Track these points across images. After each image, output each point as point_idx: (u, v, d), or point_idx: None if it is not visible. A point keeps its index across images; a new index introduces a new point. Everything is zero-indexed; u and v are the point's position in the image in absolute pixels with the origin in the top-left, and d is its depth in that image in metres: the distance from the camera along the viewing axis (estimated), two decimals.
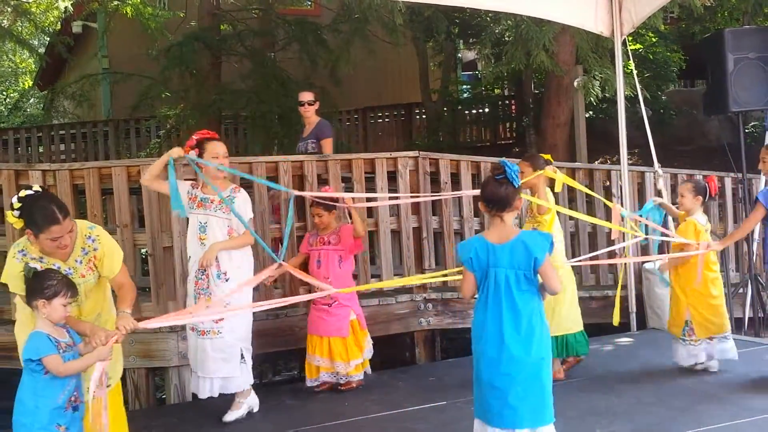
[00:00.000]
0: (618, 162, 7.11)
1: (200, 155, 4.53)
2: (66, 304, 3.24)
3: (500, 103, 15.76)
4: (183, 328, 5.49)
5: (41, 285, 3.21)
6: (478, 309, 3.24)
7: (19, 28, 13.77)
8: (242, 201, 4.69)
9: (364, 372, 5.32)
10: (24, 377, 3.21)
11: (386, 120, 15.38)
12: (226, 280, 4.59)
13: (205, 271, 4.55)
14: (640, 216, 5.50)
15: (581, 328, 5.26)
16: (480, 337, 3.19)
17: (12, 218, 3.39)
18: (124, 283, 3.66)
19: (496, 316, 3.14)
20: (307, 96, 6.64)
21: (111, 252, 3.64)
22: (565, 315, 5.18)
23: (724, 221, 8.14)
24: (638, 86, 6.89)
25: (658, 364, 5.47)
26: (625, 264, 6.06)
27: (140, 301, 5.22)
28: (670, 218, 6.12)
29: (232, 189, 4.72)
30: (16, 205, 3.35)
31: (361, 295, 5.65)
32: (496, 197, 3.20)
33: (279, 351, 5.97)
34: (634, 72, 6.98)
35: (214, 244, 4.55)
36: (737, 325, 7.03)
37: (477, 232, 6.70)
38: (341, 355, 5.10)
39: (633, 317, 6.75)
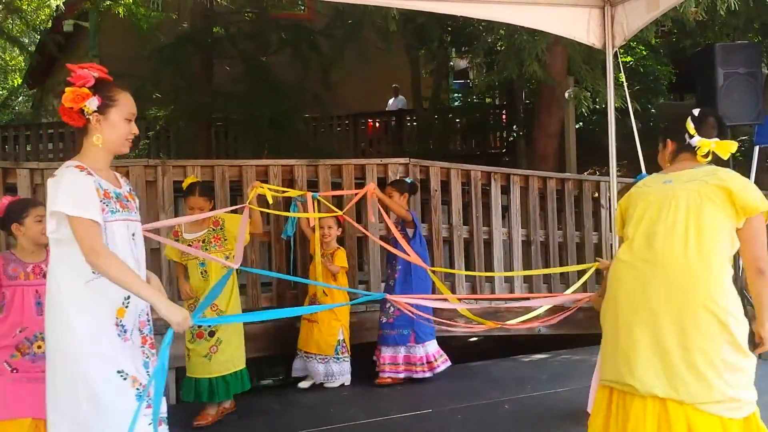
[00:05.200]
0: (607, 173, 7.15)
1: (103, 106, 2.67)
2: None
3: (491, 112, 15.81)
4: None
5: None
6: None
7: (10, 26, 13.68)
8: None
9: None
10: None
11: (377, 126, 15.40)
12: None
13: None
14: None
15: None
16: None
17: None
18: None
19: None
20: None
21: None
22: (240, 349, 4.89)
23: None
24: (628, 98, 6.93)
25: None
26: None
27: None
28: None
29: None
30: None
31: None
32: None
33: (264, 356, 5.95)
34: (625, 84, 7.02)
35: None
36: None
37: (465, 240, 6.71)
38: None
39: None
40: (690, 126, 2.86)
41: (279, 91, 10.69)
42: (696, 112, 2.89)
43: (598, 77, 8.73)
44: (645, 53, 13.06)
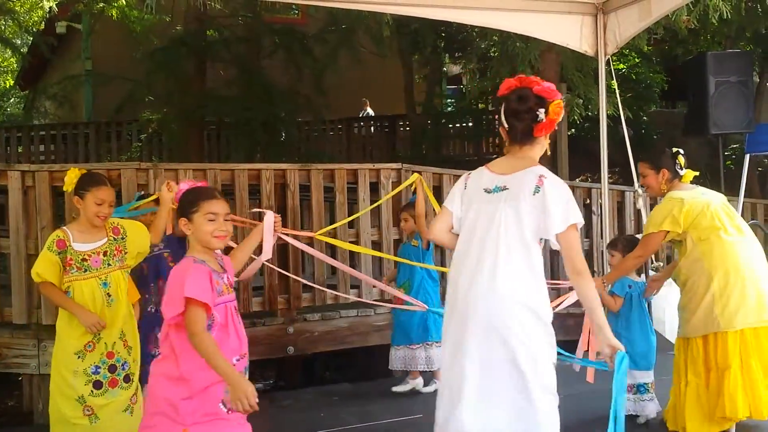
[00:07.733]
0: (599, 180, 7.17)
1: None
2: None
3: (484, 117, 15.85)
4: None
5: None
6: None
7: (2, 27, 13.65)
8: None
9: None
10: None
11: (370, 131, 15.42)
12: None
13: None
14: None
15: None
16: None
17: None
18: None
19: None
20: None
21: None
22: None
23: None
24: (620, 106, 6.96)
25: None
26: None
27: None
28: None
29: None
30: None
31: (341, 306, 5.62)
32: None
33: (255, 360, 5.93)
34: (617, 91, 7.05)
35: None
36: None
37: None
38: None
39: None
40: (682, 160, 4.18)
41: (272, 95, 10.70)
42: (681, 150, 4.23)
43: (590, 84, 8.77)
44: (637, 61, 13.12)
